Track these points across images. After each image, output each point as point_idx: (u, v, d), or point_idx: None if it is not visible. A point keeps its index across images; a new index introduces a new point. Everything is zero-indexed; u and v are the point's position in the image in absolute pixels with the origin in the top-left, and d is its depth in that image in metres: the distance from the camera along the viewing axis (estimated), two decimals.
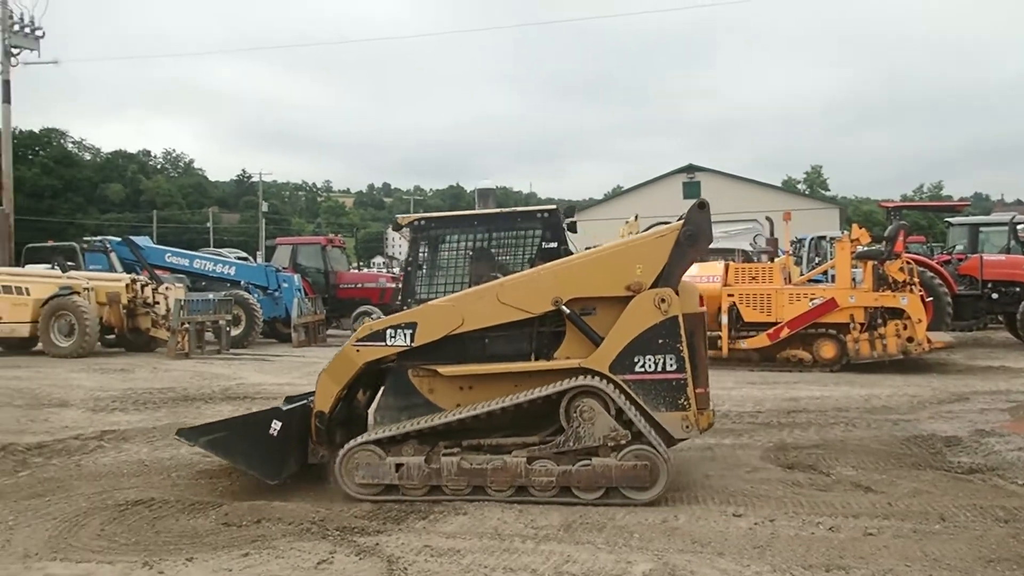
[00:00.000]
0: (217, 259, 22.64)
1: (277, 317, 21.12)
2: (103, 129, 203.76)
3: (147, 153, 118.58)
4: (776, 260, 16.24)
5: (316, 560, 4.79)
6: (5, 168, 29.61)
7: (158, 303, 18.11)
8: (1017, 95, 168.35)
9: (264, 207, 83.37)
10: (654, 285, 5.88)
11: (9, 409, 10.29)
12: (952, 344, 14.51)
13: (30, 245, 27.77)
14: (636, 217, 13.83)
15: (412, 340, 6.10)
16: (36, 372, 14.28)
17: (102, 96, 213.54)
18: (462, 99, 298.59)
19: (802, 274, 17.90)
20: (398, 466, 5.91)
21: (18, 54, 30.35)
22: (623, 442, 5.74)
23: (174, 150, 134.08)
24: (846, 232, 16.48)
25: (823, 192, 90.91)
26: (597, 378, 5.85)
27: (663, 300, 5.82)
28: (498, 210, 7.18)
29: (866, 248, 14.19)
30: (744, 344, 13.95)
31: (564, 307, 5.97)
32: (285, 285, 21.23)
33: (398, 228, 7.37)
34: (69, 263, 20.39)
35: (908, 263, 14.03)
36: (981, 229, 20.43)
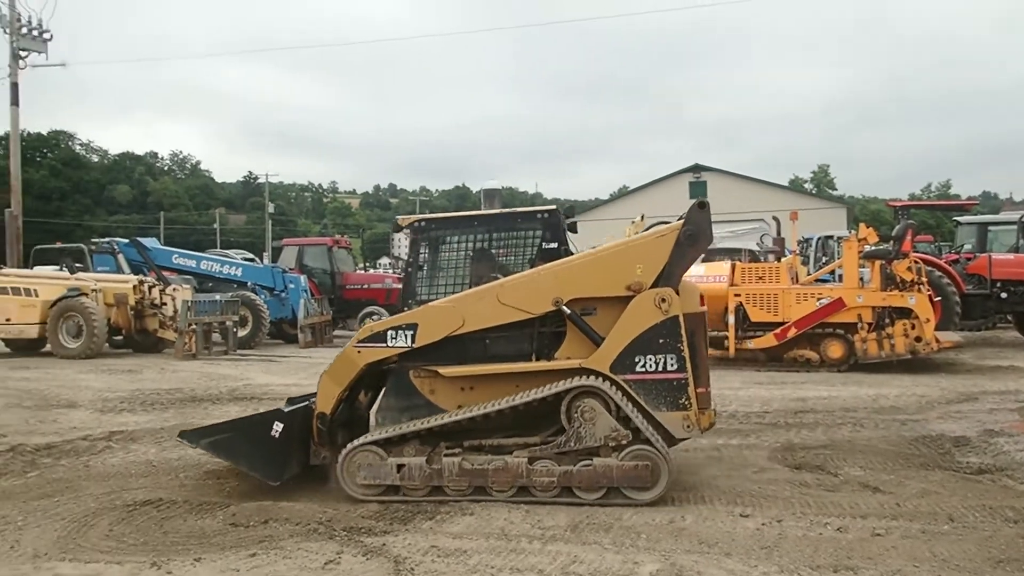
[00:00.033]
0: (224, 260, 22.67)
1: (284, 318, 21.14)
2: (110, 131, 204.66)
3: (154, 155, 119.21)
4: (783, 260, 16.20)
5: (323, 560, 4.79)
6: (14, 170, 29.74)
7: (165, 304, 18.15)
8: None
9: (270, 208, 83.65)
10: (655, 285, 5.88)
11: (18, 410, 10.33)
12: (961, 344, 14.45)
13: (38, 247, 27.81)
14: (642, 217, 13.80)
15: (413, 341, 6.10)
16: (45, 373, 14.32)
17: (109, 98, 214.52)
18: (468, 99, 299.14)
19: (809, 274, 17.85)
20: (399, 467, 5.92)
21: (26, 57, 30.49)
22: (624, 442, 5.74)
23: (181, 152, 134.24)
24: (853, 231, 16.43)
25: (830, 191, 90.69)
26: (598, 378, 5.85)
27: (664, 300, 5.82)
28: (498, 211, 7.17)
29: (874, 247, 14.14)
30: (751, 344, 13.91)
31: (564, 307, 5.97)
32: (292, 286, 21.26)
33: (398, 229, 7.38)
34: (77, 265, 20.44)
35: (916, 262, 13.97)
36: (990, 228, 20.37)
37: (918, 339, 13.20)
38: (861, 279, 14.15)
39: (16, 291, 17.60)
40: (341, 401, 6.37)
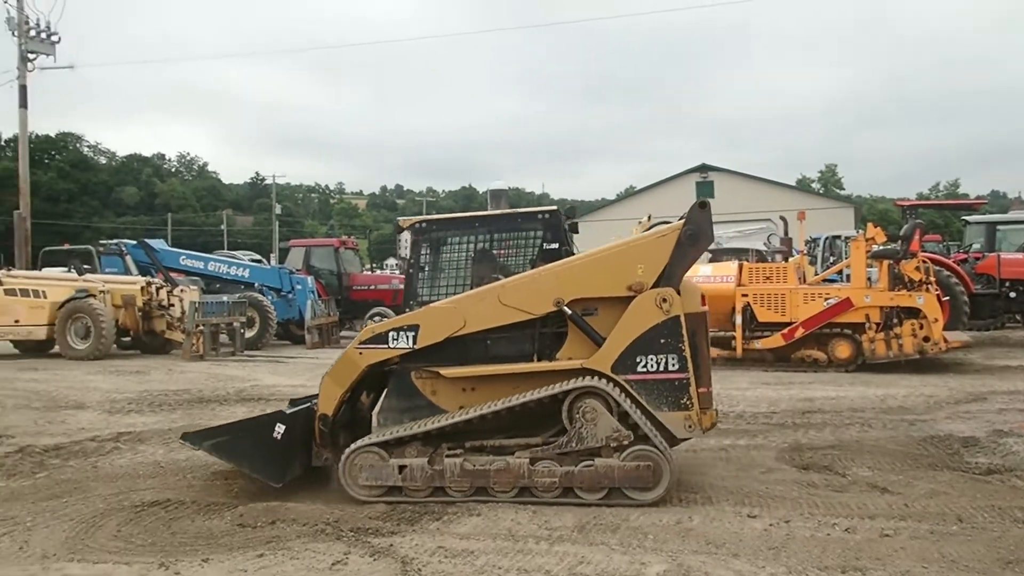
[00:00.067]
0: (231, 261, 22.75)
1: (291, 319, 21.19)
2: (118, 133, 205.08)
3: (162, 156, 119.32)
4: (790, 260, 16.17)
5: (331, 561, 4.80)
6: (22, 172, 29.90)
7: (173, 305, 18.21)
8: None
9: (277, 209, 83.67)
10: (656, 285, 5.87)
11: (26, 411, 10.36)
12: (969, 344, 14.40)
13: (46, 248, 27.97)
14: (649, 217, 13.79)
15: (414, 342, 6.10)
16: (53, 374, 14.37)
17: (117, 100, 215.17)
18: (475, 100, 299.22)
19: (817, 274, 17.82)
20: (401, 468, 5.92)
21: (34, 59, 30.64)
22: (626, 442, 5.73)
23: (188, 153, 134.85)
24: (861, 231, 16.40)
25: (838, 191, 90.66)
26: (599, 379, 5.84)
27: (665, 300, 5.81)
28: (499, 211, 7.18)
29: (881, 247, 14.11)
30: (758, 344, 13.89)
31: (566, 308, 5.96)
32: (299, 287, 21.31)
33: (399, 230, 7.39)
34: (85, 266, 20.51)
35: (924, 262, 13.94)
36: (998, 227, 20.29)
37: (926, 339, 13.18)
38: (869, 279, 14.12)
39: (24, 293, 17.67)
40: (343, 402, 6.38)
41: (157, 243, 22.66)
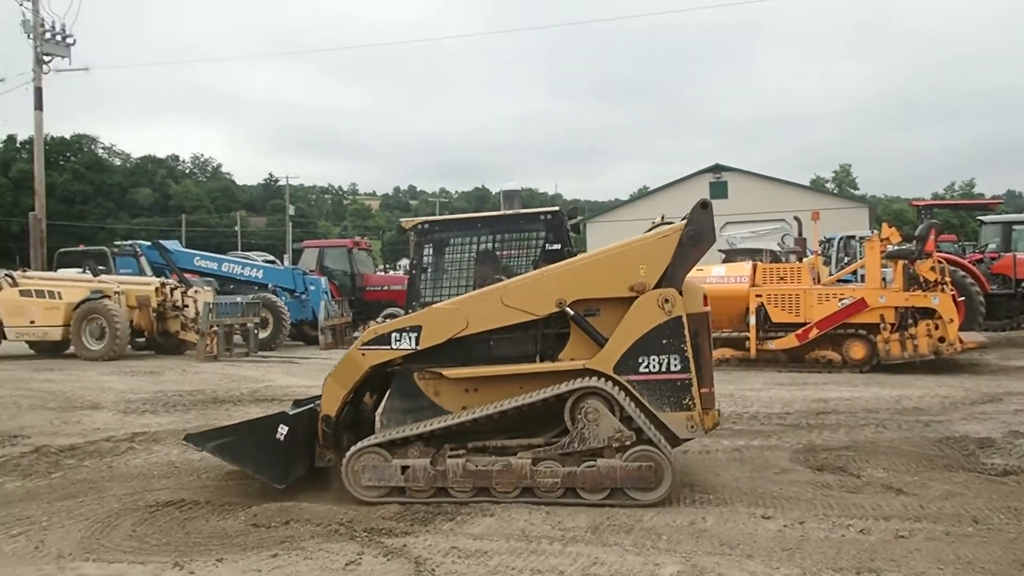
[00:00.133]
0: (245, 262, 22.83)
1: (304, 319, 21.25)
2: (133, 135, 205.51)
3: (176, 158, 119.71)
4: (804, 260, 16.11)
5: (344, 561, 4.81)
6: (37, 174, 30.07)
7: (187, 306, 18.29)
8: None
9: (291, 210, 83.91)
10: (658, 285, 5.87)
11: (42, 411, 10.43)
12: (985, 344, 14.32)
13: (62, 250, 28.07)
14: (662, 217, 13.71)
15: (417, 343, 6.11)
16: (68, 375, 14.45)
17: (131, 102, 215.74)
18: (489, 101, 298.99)
19: (831, 274, 17.75)
20: (404, 468, 5.94)
21: (50, 61, 30.81)
22: (628, 443, 5.74)
23: (202, 155, 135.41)
24: (876, 231, 16.32)
25: (852, 191, 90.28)
26: (601, 379, 5.85)
27: (667, 300, 5.81)
28: (501, 212, 7.16)
29: (896, 247, 14.04)
30: (772, 345, 13.84)
31: (568, 309, 5.96)
32: (312, 288, 21.36)
33: (403, 232, 7.39)
34: (100, 267, 20.61)
35: (939, 262, 13.85)
36: (1014, 227, 20.15)
37: (941, 339, 13.10)
38: (884, 279, 14.05)
39: (40, 294, 17.79)
40: (346, 403, 6.40)
41: (171, 244, 22.77)
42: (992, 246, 19.85)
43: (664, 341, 5.82)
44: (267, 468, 6.24)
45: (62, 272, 22.41)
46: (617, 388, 5.82)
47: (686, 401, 5.84)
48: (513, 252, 7.02)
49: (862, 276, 14.78)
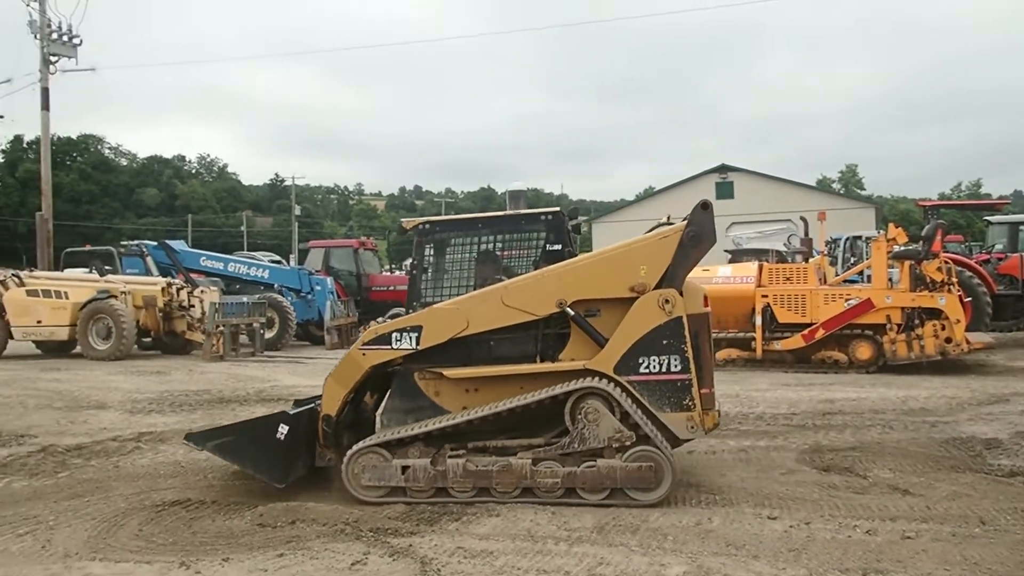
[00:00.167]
0: (251, 262, 22.84)
1: (310, 320, 21.26)
2: (139, 135, 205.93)
3: (182, 158, 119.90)
4: (811, 260, 16.09)
5: (350, 561, 4.81)
6: (44, 174, 30.16)
7: (193, 306, 18.32)
8: None
9: (297, 210, 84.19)
10: (658, 286, 5.87)
11: (49, 411, 10.46)
12: (992, 345, 14.29)
13: (68, 249, 28.19)
14: (668, 218, 13.71)
15: (418, 343, 6.12)
16: (75, 375, 14.49)
17: (138, 102, 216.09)
18: (494, 101, 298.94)
19: (837, 274, 17.73)
20: (404, 468, 5.95)
21: (56, 62, 30.89)
22: (628, 443, 5.75)
23: (209, 155, 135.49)
24: (882, 232, 16.29)
25: (858, 191, 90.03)
26: (602, 379, 5.86)
27: (667, 301, 5.82)
28: (502, 213, 7.16)
29: (903, 248, 14.01)
30: (778, 345, 13.82)
31: (568, 309, 5.97)
32: (318, 288, 21.37)
33: (403, 232, 7.40)
34: (106, 267, 20.68)
35: (946, 263, 13.83)
36: (1021, 228, 20.11)
37: (948, 340, 13.07)
38: (890, 280, 14.03)
39: (47, 293, 17.83)
40: (346, 403, 6.41)
41: (177, 244, 22.81)
42: (999, 247, 19.82)
43: (664, 342, 5.82)
44: (267, 467, 6.26)
45: (69, 272, 22.50)
46: (617, 388, 5.83)
47: (686, 402, 5.84)
48: (514, 252, 7.03)
49: (868, 276, 14.78)
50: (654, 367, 5.84)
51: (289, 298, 20.69)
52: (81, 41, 31.48)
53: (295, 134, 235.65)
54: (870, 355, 13.52)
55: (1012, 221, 20.83)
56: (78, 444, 8.29)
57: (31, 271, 20.16)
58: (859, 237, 23.76)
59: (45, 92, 30.27)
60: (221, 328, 17.24)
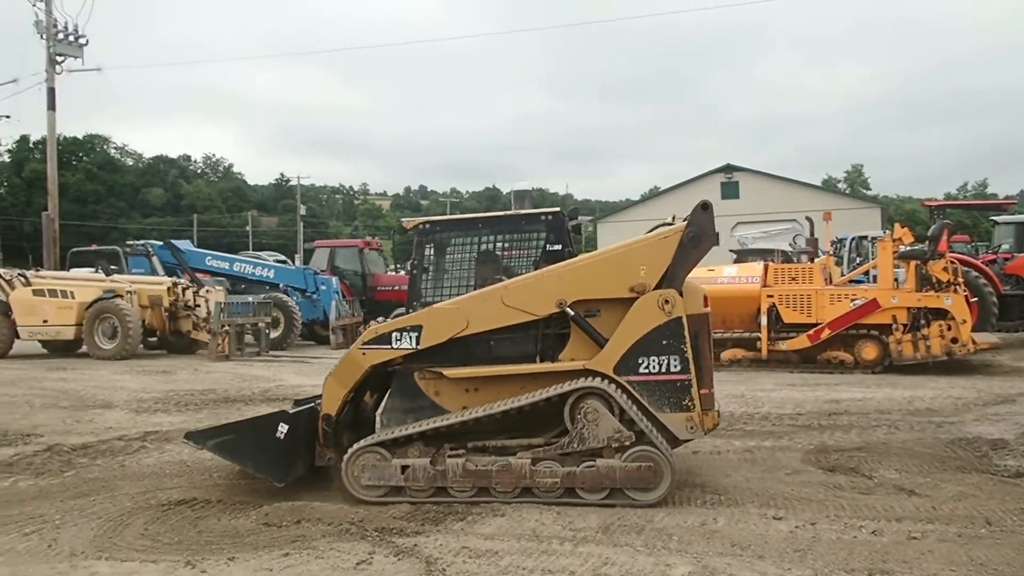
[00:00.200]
0: (256, 262, 22.89)
1: (315, 319, 21.29)
2: (145, 135, 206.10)
3: (187, 158, 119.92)
4: (816, 260, 16.07)
5: (355, 560, 4.82)
6: (50, 174, 30.24)
7: (199, 306, 18.35)
8: None
9: (302, 210, 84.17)
10: (658, 286, 5.88)
11: (55, 410, 10.48)
12: (998, 345, 14.27)
13: (74, 249, 28.27)
14: (673, 218, 13.71)
15: (418, 343, 6.13)
16: (81, 374, 14.53)
17: (143, 102, 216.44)
18: (499, 101, 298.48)
19: (843, 274, 17.69)
20: (404, 468, 5.95)
21: (62, 62, 30.97)
22: (627, 443, 5.75)
23: (214, 155, 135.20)
24: (888, 231, 16.26)
25: (864, 191, 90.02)
26: (601, 379, 5.86)
27: (667, 301, 5.82)
28: (502, 213, 7.17)
29: (909, 248, 13.99)
30: (784, 345, 13.80)
31: (568, 309, 5.97)
32: (323, 287, 21.41)
33: (403, 232, 7.40)
34: (112, 267, 20.72)
35: (952, 263, 13.79)
36: None
37: (954, 340, 13.04)
38: (896, 280, 13.99)
39: (53, 293, 17.88)
40: (346, 403, 6.42)
41: (183, 244, 22.86)
42: (1005, 246, 19.74)
43: (664, 342, 5.83)
44: (267, 466, 6.27)
45: (75, 272, 22.56)
46: (617, 388, 5.83)
47: (686, 402, 5.85)
48: (514, 252, 7.03)
49: (874, 277, 14.72)
50: (654, 367, 5.85)
51: (294, 298, 20.71)
52: (87, 41, 31.65)
53: (300, 134, 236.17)
54: (876, 355, 13.49)
55: (1018, 221, 20.73)
56: (84, 443, 8.31)
57: (37, 271, 20.23)
58: (865, 237, 23.70)
59: (51, 92, 30.35)
60: (226, 328, 17.26)
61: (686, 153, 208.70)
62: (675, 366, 5.83)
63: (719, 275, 14.27)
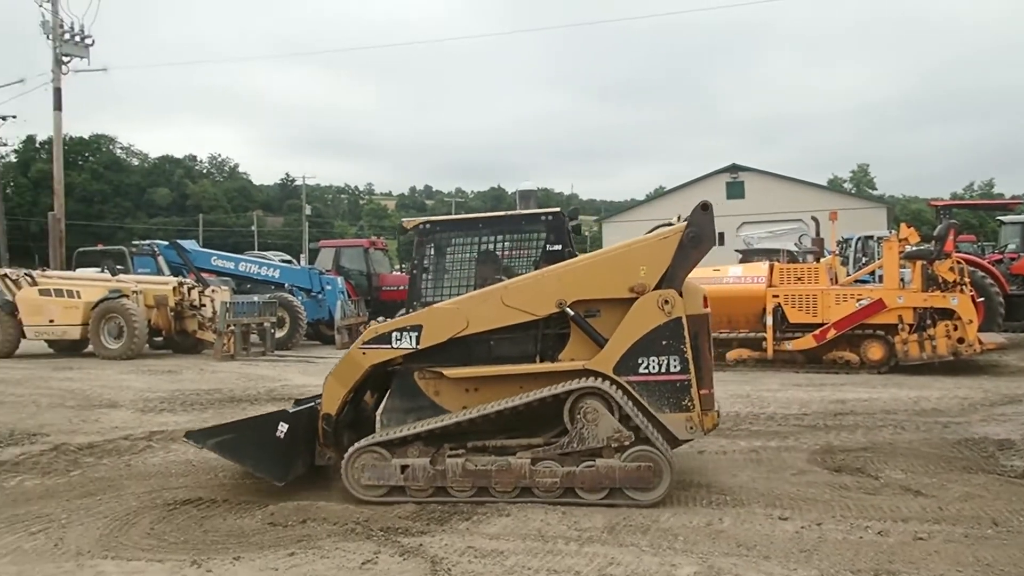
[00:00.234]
0: (262, 262, 22.89)
1: (321, 319, 21.28)
2: (150, 135, 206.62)
3: (193, 158, 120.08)
4: (822, 260, 16.04)
5: (361, 560, 4.82)
6: (56, 174, 30.31)
7: (204, 306, 18.39)
8: None
9: (307, 210, 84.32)
10: (658, 287, 5.88)
11: (61, 410, 10.50)
12: (1004, 345, 14.21)
13: (80, 249, 28.29)
14: (679, 218, 13.69)
15: (418, 342, 6.14)
16: (87, 374, 14.56)
17: (149, 102, 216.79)
18: (505, 101, 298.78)
19: (848, 274, 17.67)
20: (403, 467, 5.96)
21: (69, 62, 31.04)
22: (627, 443, 5.75)
23: (219, 155, 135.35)
24: (894, 232, 16.23)
25: (870, 191, 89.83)
26: (601, 380, 5.86)
27: (667, 301, 5.83)
28: (502, 213, 7.17)
29: (915, 248, 13.95)
30: (790, 345, 13.77)
31: (568, 309, 5.98)
32: (328, 287, 21.40)
33: (404, 232, 7.40)
34: (118, 267, 20.77)
35: (958, 263, 13.77)
36: None
37: (960, 340, 13.01)
38: (902, 280, 13.96)
39: (59, 293, 17.91)
40: (346, 402, 6.43)
41: (189, 244, 22.88)
42: (1012, 246, 19.72)
43: (664, 342, 5.83)
44: (267, 465, 6.28)
45: (81, 271, 22.58)
46: (617, 389, 5.83)
47: (685, 402, 5.85)
48: (514, 252, 7.03)
49: (880, 276, 14.71)
50: (653, 367, 5.85)
51: (300, 298, 20.71)
52: (93, 41, 31.68)
53: (305, 134, 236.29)
54: (882, 355, 13.46)
55: None
56: (90, 443, 8.33)
57: (43, 270, 20.26)
58: (871, 237, 23.67)
59: (57, 92, 30.42)
60: (232, 327, 17.27)
61: (691, 153, 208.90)
62: (675, 366, 5.84)
63: (725, 275, 14.25)
